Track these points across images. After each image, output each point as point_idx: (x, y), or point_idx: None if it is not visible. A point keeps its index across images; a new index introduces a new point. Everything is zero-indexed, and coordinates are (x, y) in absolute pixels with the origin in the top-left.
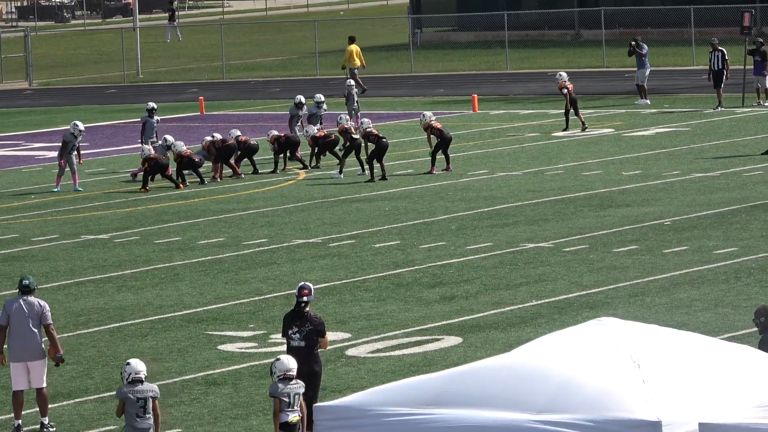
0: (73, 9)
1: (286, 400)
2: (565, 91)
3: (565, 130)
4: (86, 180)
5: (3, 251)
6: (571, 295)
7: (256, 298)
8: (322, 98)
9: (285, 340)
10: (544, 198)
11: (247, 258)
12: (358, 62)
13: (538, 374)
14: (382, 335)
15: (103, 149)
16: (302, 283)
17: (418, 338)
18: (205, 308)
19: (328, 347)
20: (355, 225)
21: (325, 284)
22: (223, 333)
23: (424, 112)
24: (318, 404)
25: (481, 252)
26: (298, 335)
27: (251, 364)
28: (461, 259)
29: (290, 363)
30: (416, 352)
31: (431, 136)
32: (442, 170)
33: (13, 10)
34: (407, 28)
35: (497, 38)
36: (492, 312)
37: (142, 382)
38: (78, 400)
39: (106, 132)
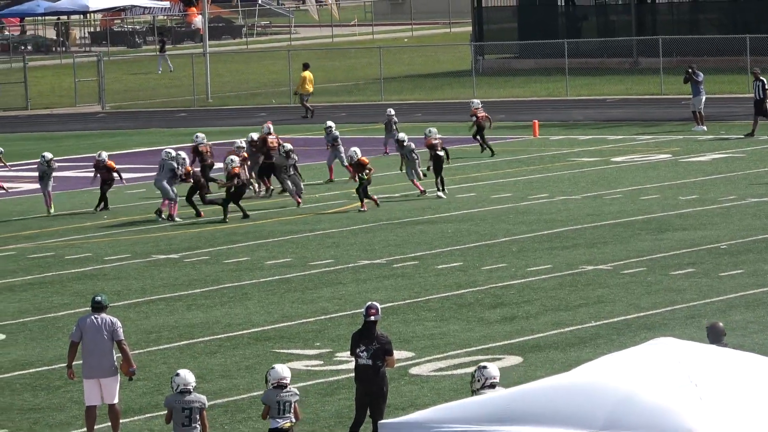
0: (144, 34)
1: (277, 407)
2: (474, 118)
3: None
4: (158, 200)
5: (76, 270)
6: (629, 317)
7: (322, 317)
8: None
9: (353, 358)
10: (603, 221)
11: (314, 278)
12: (310, 88)
13: (598, 392)
14: (445, 354)
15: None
16: (370, 302)
17: (480, 357)
18: (273, 326)
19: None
20: (418, 246)
21: (390, 304)
22: (289, 351)
23: (429, 128)
24: (382, 421)
25: (542, 274)
26: (365, 353)
27: (317, 381)
28: (522, 280)
29: (284, 372)
30: None
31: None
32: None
33: (87, 35)
34: (470, 55)
35: (557, 65)
36: (552, 332)
37: (190, 392)
38: (148, 415)
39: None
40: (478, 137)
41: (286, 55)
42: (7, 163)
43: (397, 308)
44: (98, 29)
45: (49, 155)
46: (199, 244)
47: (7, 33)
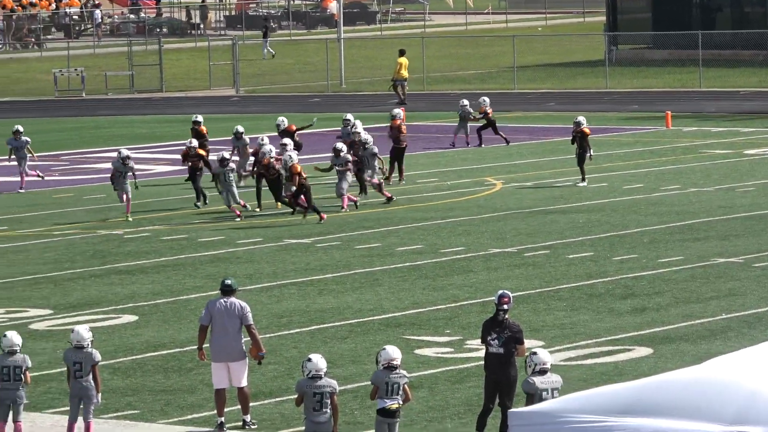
0: (279, 19)
1: (386, 388)
2: (482, 115)
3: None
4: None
5: (209, 252)
6: (760, 310)
7: (453, 305)
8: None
9: (483, 346)
10: (735, 214)
11: (445, 265)
12: (405, 74)
13: (728, 387)
14: (575, 344)
15: (304, 156)
16: (502, 291)
17: (610, 348)
18: (403, 313)
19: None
20: (549, 236)
21: (520, 293)
22: (420, 338)
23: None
24: (512, 410)
25: (673, 265)
26: (496, 342)
27: (447, 368)
28: (653, 271)
29: (395, 353)
30: (607, 361)
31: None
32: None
33: (222, 19)
34: (603, 45)
35: (691, 57)
36: (682, 324)
37: (321, 377)
38: (279, 399)
39: (309, 140)
40: (488, 130)
41: (420, 42)
42: (35, 154)
43: (527, 297)
44: (233, 13)
45: (125, 152)
46: (331, 229)
47: (143, 15)
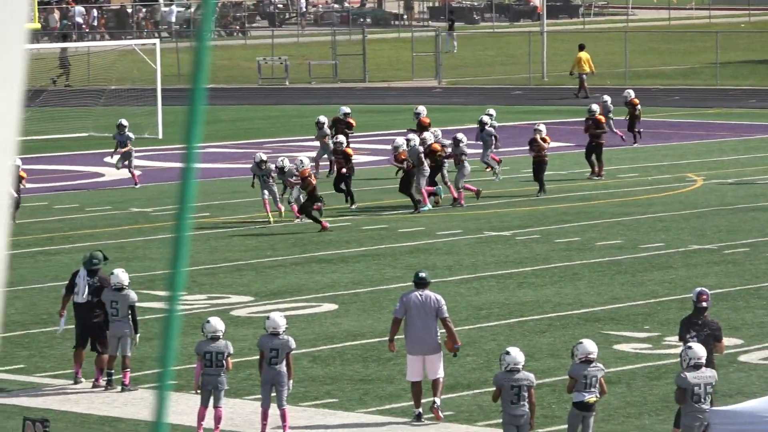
0: (482, 11)
1: (584, 381)
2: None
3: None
4: (490, 179)
5: (409, 243)
6: None
7: (652, 301)
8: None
9: (681, 343)
10: None
11: (644, 261)
12: (586, 68)
13: None
14: None
15: (506, 149)
16: (700, 288)
17: None
18: (602, 308)
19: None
20: (750, 234)
21: (719, 290)
22: (618, 333)
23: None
24: (714, 408)
25: None
26: (695, 339)
27: (645, 364)
28: None
29: (591, 347)
30: None
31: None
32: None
33: (425, 10)
34: None
35: None
36: None
37: (519, 371)
38: (477, 391)
39: (510, 132)
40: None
41: (622, 37)
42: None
43: (726, 295)
44: (437, 4)
45: (260, 155)
46: (531, 222)
47: (347, 5)
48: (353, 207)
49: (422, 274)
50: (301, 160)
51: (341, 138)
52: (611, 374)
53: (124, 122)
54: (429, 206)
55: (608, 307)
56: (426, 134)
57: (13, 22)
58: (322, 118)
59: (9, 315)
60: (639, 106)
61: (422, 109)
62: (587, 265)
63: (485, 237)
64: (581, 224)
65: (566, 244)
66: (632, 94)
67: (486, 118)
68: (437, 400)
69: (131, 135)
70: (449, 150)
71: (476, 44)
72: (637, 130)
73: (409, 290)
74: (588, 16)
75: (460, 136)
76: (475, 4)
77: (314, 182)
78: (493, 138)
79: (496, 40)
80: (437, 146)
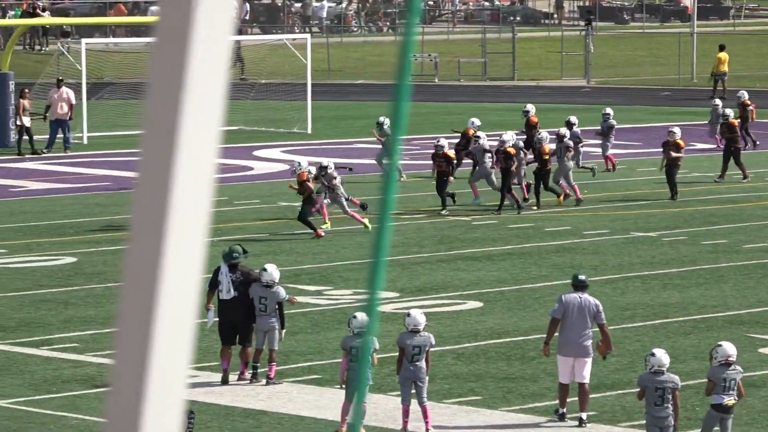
0: (632, 11)
1: (723, 384)
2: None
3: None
4: (631, 180)
5: (555, 242)
6: None
7: None
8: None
9: None
10: None
11: None
12: (725, 68)
13: None
14: None
15: (654, 149)
16: None
17: None
18: (748, 311)
19: None
20: None
21: None
22: (763, 336)
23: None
24: None
25: None
26: None
27: None
28: None
29: (731, 349)
30: None
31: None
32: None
33: (575, 9)
34: None
35: None
36: None
37: (663, 373)
38: (620, 391)
39: (659, 133)
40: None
41: None
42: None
43: None
44: (587, 3)
45: (326, 161)
46: (678, 223)
47: (498, 3)
48: (444, 212)
49: (581, 277)
50: (299, 163)
51: (443, 141)
52: (756, 378)
53: None
54: (479, 200)
55: (754, 310)
56: (506, 135)
57: (223, 11)
58: (382, 119)
59: None
60: (751, 108)
61: (531, 107)
62: (733, 267)
63: (631, 237)
64: (728, 227)
65: (713, 246)
66: (746, 95)
67: (564, 130)
68: (584, 416)
69: None
70: (521, 155)
71: (626, 44)
72: (748, 132)
73: (567, 291)
74: (738, 18)
75: (563, 131)
76: (626, 4)
77: (312, 187)
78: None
79: (646, 40)
80: (511, 150)
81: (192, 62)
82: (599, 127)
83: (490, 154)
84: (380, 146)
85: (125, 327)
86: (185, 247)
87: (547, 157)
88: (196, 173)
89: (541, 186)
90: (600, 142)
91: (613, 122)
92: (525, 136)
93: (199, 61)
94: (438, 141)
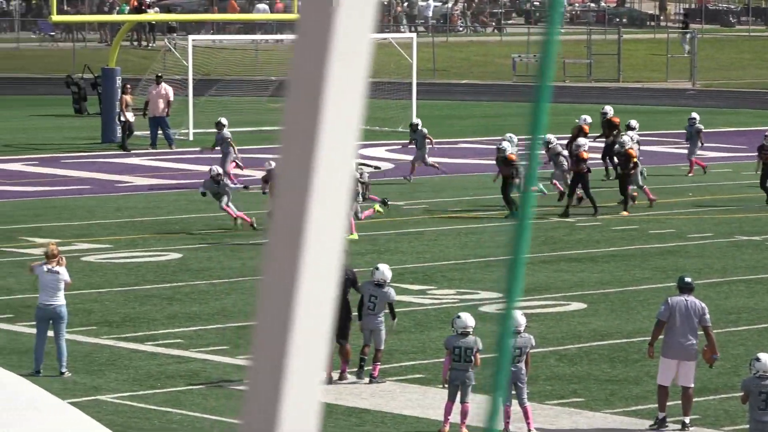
0: (738, 14)
1: (759, 397)
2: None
3: None
4: (736, 183)
5: (659, 245)
6: None
7: None
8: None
9: None
10: None
11: None
12: None
13: None
14: None
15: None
16: None
17: None
18: None
19: None
20: None
21: None
22: None
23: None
24: None
25: None
26: None
27: None
28: None
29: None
30: None
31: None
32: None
33: (681, 11)
34: None
35: None
36: None
37: (766, 378)
38: (724, 396)
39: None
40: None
41: None
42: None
43: None
44: (693, 6)
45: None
46: None
47: (603, 4)
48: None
49: (688, 279)
50: (270, 162)
51: (504, 144)
52: None
53: (224, 120)
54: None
55: None
56: (581, 140)
57: (365, 6)
58: (416, 120)
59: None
60: None
61: (609, 109)
62: None
63: (736, 241)
64: None
65: None
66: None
67: (551, 137)
68: (687, 420)
69: (227, 134)
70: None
71: (731, 47)
72: None
73: (674, 294)
74: None
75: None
76: (731, 7)
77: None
78: (562, 158)
79: (752, 43)
80: (584, 154)
81: (333, 60)
82: (684, 131)
83: (562, 157)
84: (414, 148)
85: (263, 327)
86: (324, 246)
87: (635, 160)
88: (335, 173)
89: (625, 186)
90: (687, 146)
91: (700, 126)
92: (603, 138)
93: (341, 58)
94: (500, 144)
